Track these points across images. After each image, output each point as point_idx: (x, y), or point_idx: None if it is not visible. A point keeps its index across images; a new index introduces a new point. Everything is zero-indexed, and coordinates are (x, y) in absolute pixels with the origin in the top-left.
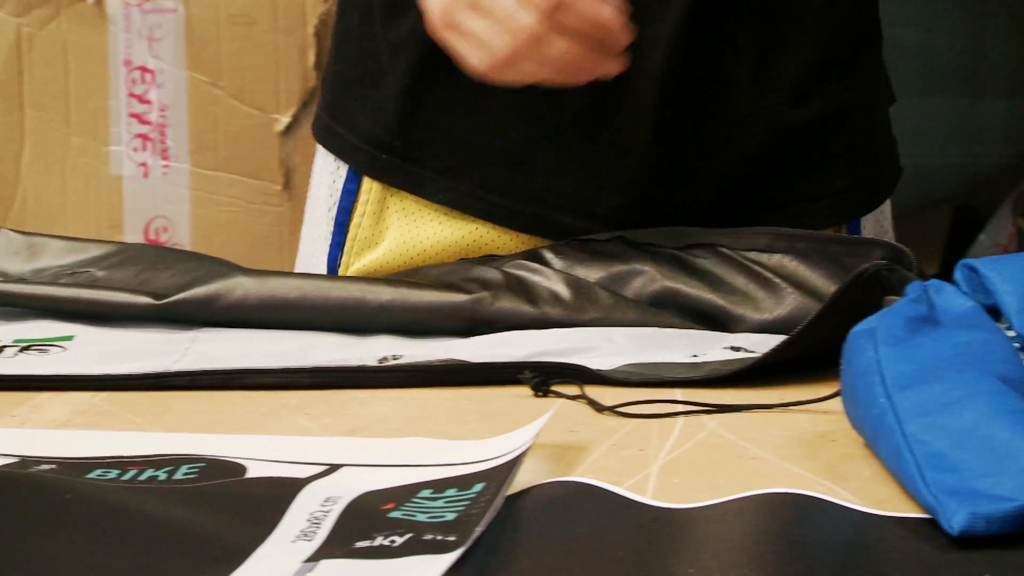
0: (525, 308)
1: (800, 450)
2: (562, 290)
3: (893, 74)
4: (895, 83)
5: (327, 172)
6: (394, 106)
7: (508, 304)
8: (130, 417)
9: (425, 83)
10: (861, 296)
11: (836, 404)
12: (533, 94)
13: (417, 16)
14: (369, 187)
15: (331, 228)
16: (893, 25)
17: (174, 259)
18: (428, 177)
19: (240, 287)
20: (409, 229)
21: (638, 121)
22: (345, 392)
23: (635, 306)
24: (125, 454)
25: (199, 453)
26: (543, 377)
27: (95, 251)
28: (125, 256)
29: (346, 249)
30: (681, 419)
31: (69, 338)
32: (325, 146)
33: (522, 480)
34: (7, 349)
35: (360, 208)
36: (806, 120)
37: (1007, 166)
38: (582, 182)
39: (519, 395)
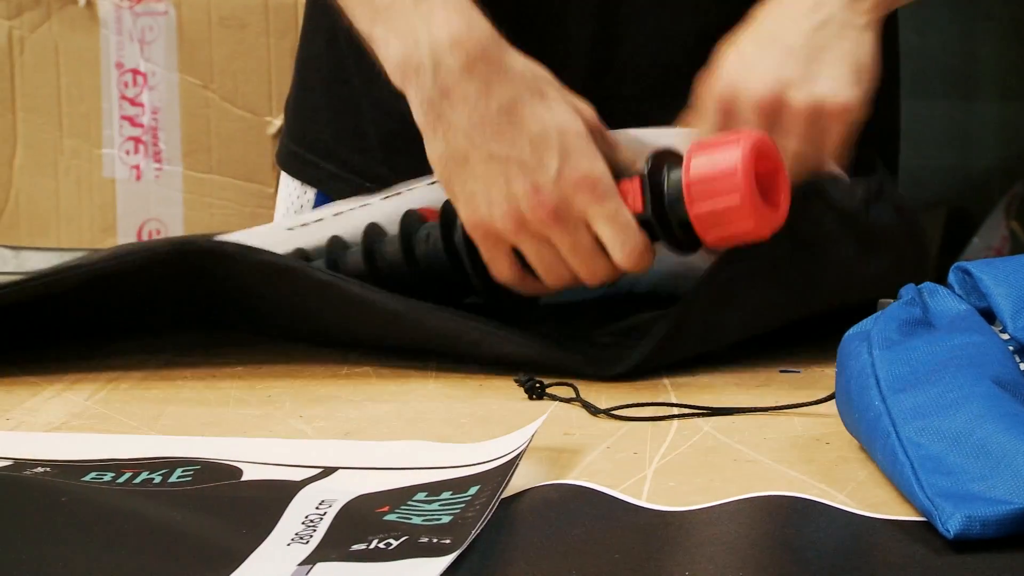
0: None
1: (795, 453)
2: None
3: None
4: None
5: (292, 199)
6: (376, 133)
7: None
8: (124, 420)
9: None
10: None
11: (831, 407)
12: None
13: None
14: None
15: None
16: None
17: None
18: None
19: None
20: None
21: None
22: (339, 395)
23: None
24: (120, 457)
25: (194, 456)
26: (537, 381)
27: (81, 255)
28: None
29: None
30: (676, 422)
31: None
32: (296, 175)
33: (517, 483)
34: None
35: None
36: None
37: (1000, 169)
38: None
39: (513, 398)
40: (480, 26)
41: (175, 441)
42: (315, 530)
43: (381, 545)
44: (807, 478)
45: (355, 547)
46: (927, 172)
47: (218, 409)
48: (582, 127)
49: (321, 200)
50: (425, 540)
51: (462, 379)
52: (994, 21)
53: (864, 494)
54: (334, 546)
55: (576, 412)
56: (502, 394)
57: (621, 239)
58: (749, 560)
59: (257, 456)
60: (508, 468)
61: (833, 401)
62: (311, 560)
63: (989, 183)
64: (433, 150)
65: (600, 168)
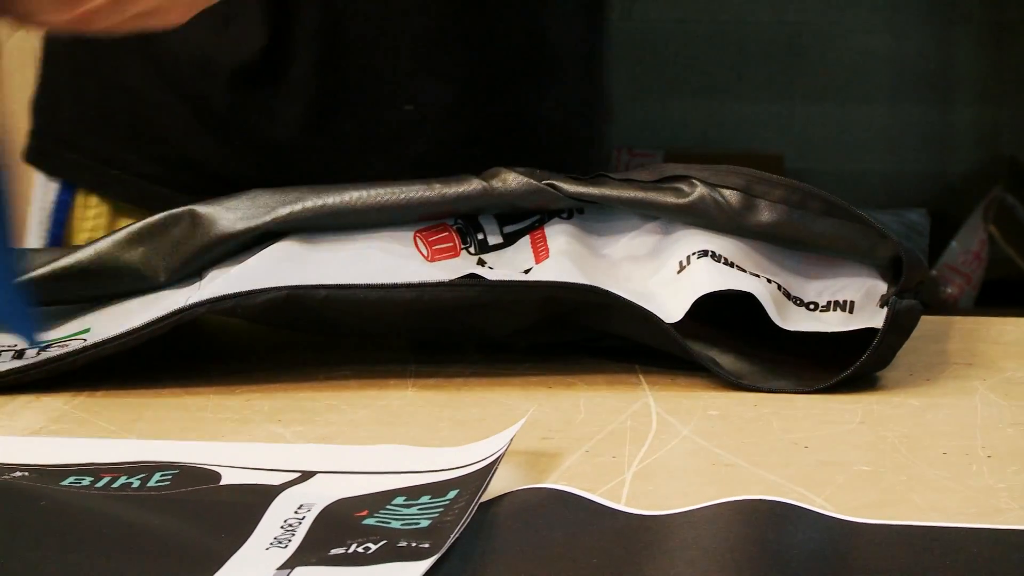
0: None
1: (774, 457)
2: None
3: (863, 80)
4: (866, 89)
5: (39, 194)
6: (124, 120)
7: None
8: (103, 424)
9: (158, 98)
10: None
11: (808, 409)
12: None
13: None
14: (98, 203)
15: (45, 241)
16: (862, 32)
17: None
18: (165, 194)
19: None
20: None
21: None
22: (318, 400)
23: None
24: (98, 461)
25: (172, 460)
26: None
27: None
28: None
29: None
30: (655, 425)
31: (86, 330)
32: (40, 168)
33: (496, 487)
34: (27, 352)
35: (91, 223)
36: None
37: (978, 173)
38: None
39: (492, 402)
40: None
41: (154, 445)
42: (294, 534)
43: (360, 549)
44: (785, 482)
45: (334, 551)
46: (905, 176)
47: (196, 413)
48: None
49: (64, 191)
50: (404, 544)
51: (441, 383)
52: (971, 24)
53: (843, 498)
54: (313, 550)
55: (555, 415)
56: (481, 398)
57: None
58: (728, 564)
59: (235, 460)
60: (487, 472)
61: (810, 403)
62: (290, 564)
63: (967, 187)
64: None
65: None
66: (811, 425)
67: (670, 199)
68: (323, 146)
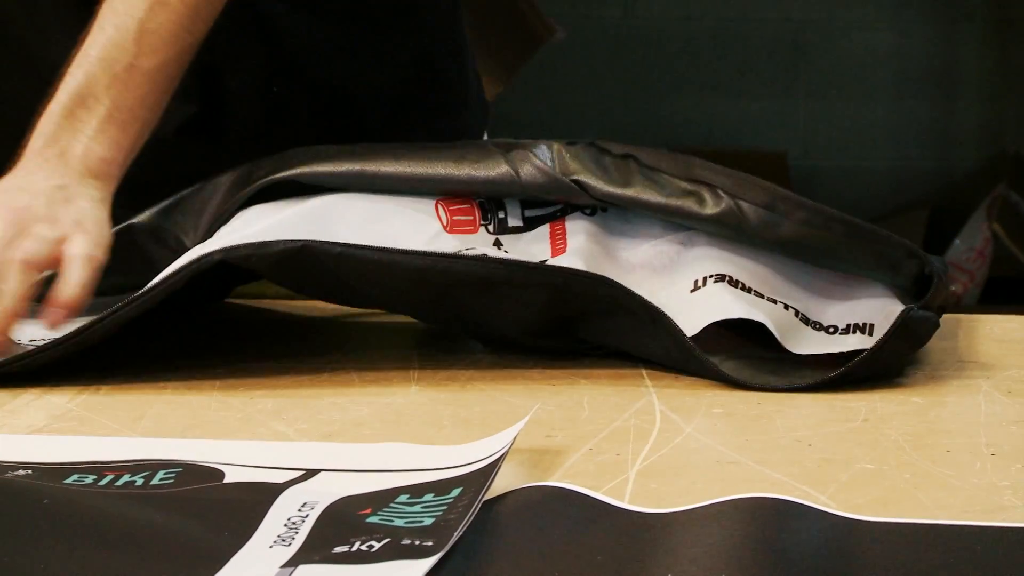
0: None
1: (777, 455)
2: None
3: (867, 78)
4: (870, 87)
5: None
6: (4, 128)
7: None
8: (106, 422)
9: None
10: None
11: (812, 407)
12: None
13: None
14: None
15: None
16: (866, 30)
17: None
18: None
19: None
20: None
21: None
22: (321, 397)
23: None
24: (102, 459)
25: (176, 458)
26: None
27: None
28: None
29: None
30: (658, 423)
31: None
32: None
33: (499, 485)
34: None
35: None
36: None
37: (981, 170)
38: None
39: (495, 400)
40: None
41: (157, 443)
42: (297, 532)
43: (363, 547)
44: (789, 480)
45: (337, 549)
46: (909, 173)
47: (200, 411)
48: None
49: None
50: (407, 542)
51: (444, 381)
52: (975, 22)
53: (846, 496)
54: (316, 548)
55: (558, 413)
56: (484, 396)
57: None
58: (732, 562)
59: (239, 458)
60: (490, 470)
61: (814, 401)
62: (293, 562)
63: (971, 184)
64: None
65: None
66: (815, 423)
67: (695, 209)
68: (202, 144)
